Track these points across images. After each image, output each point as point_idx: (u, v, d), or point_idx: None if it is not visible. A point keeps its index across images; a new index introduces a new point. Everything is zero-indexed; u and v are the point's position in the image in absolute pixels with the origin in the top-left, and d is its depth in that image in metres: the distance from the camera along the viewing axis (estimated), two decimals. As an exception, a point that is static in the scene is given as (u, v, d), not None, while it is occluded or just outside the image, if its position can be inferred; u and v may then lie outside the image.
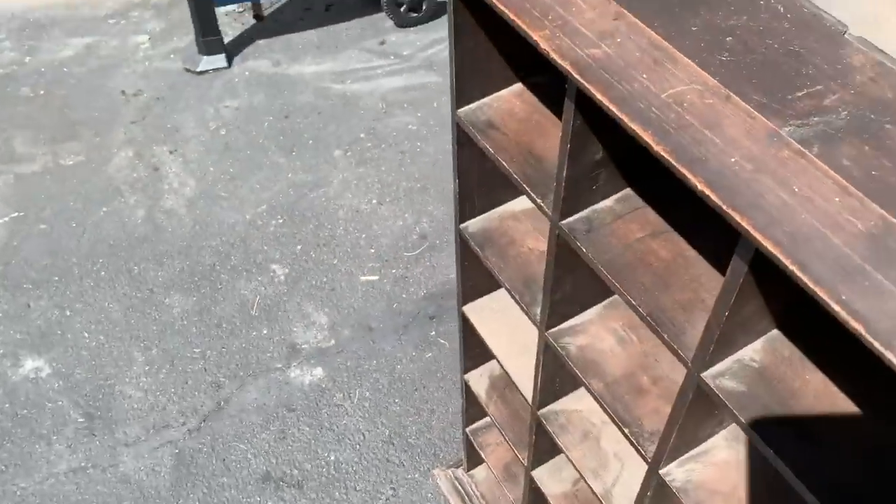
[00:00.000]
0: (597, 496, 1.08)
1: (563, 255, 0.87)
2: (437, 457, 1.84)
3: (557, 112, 0.93)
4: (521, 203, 1.12)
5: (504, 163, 0.88)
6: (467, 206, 1.09)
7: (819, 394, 0.68)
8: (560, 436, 1.12)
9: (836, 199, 0.49)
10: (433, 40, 2.88)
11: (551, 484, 1.30)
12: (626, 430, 0.90)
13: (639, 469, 1.06)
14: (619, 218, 0.82)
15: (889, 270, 0.46)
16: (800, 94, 0.58)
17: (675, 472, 0.86)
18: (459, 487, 1.75)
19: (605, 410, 0.93)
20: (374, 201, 2.36)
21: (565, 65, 0.59)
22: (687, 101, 0.55)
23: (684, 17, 0.62)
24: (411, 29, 2.92)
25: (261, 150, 2.51)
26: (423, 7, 2.88)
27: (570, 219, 0.82)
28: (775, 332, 0.72)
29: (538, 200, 0.84)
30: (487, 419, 1.61)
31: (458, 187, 1.05)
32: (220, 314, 2.09)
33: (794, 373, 0.70)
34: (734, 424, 0.89)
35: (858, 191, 0.50)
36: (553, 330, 0.98)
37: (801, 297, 0.70)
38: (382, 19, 2.96)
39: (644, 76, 0.57)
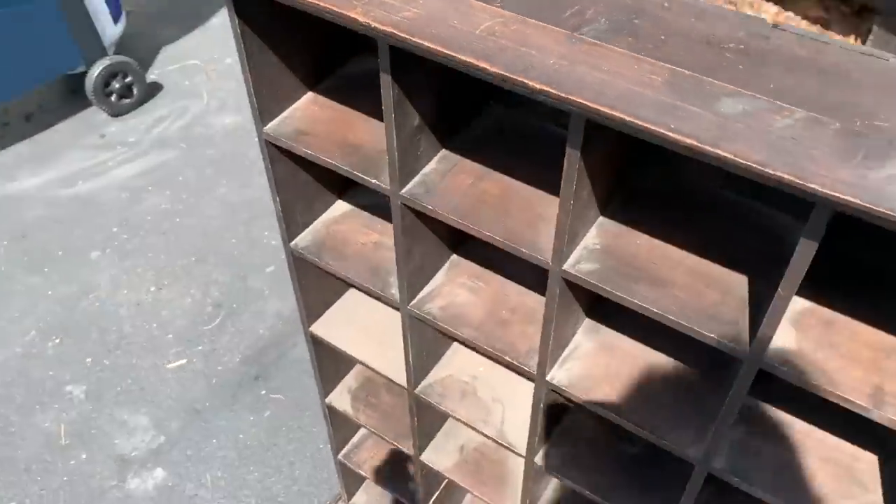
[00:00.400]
0: (492, 439, 1.17)
1: (409, 225, 0.95)
2: (314, 503, 1.82)
3: (355, 107, 1.01)
4: (340, 207, 1.19)
5: (329, 160, 0.94)
6: (292, 223, 1.13)
7: (654, 248, 0.83)
8: (442, 403, 1.20)
9: (635, 67, 0.63)
10: (156, 119, 2.82)
11: (442, 461, 1.37)
12: (507, 357, 1.00)
13: (521, 397, 1.18)
14: (447, 174, 0.92)
15: (691, 101, 0.60)
16: (570, 12, 0.72)
17: (559, 375, 0.98)
18: (346, 520, 1.76)
19: (480, 352, 1.03)
20: (153, 289, 2.26)
21: (388, 29, 0.67)
22: (497, 31, 0.67)
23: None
24: (128, 115, 2.84)
25: (6, 278, 2.29)
26: (134, 91, 2.81)
27: (408, 186, 0.91)
28: (601, 218, 0.87)
29: (374, 181, 0.92)
30: (356, 438, 1.64)
31: (280, 207, 1.09)
32: (25, 458, 1.88)
33: (627, 242, 0.84)
34: (587, 322, 1.03)
35: (647, 58, 0.64)
36: (413, 302, 1.06)
37: (622, 177, 0.86)
38: (95, 113, 2.84)
39: (455, 22, 0.68)
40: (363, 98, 1.02)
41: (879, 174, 0.54)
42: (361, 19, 0.68)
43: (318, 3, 0.70)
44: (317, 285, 1.26)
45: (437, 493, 1.56)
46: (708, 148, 0.57)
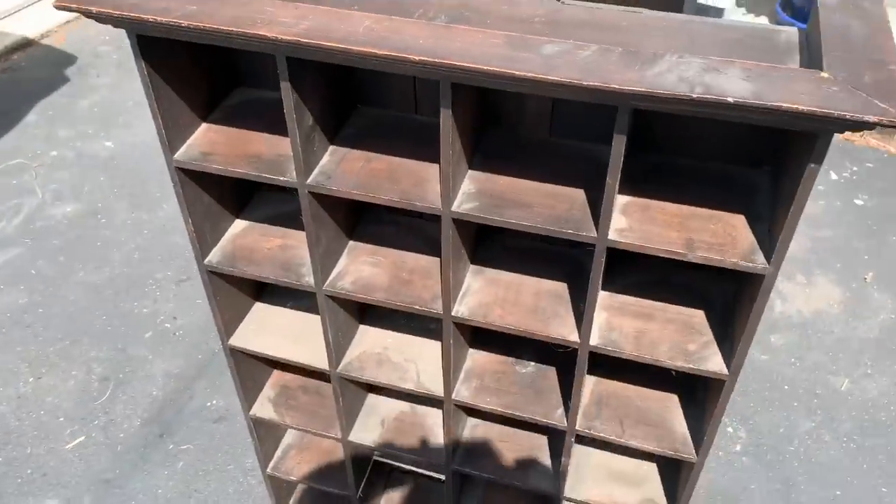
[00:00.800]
0: (412, 392, 1.37)
1: (316, 212, 1.15)
2: (247, 531, 1.91)
3: (244, 128, 1.20)
4: (240, 224, 1.35)
5: (238, 170, 1.12)
6: (203, 243, 1.28)
7: (513, 185, 1.09)
8: (363, 374, 1.39)
9: (479, 38, 0.89)
10: (-10, 222, 2.78)
11: (368, 436, 1.54)
12: (417, 307, 1.21)
13: (428, 353, 1.39)
14: (340, 163, 1.13)
15: (523, 51, 0.86)
16: (419, 13, 0.97)
17: (460, 309, 1.21)
18: (283, 536, 1.86)
19: (393, 307, 1.23)
20: (31, 379, 2.24)
21: (292, 38, 0.88)
22: (375, 28, 0.90)
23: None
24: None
25: None
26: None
27: (312, 176, 1.11)
28: (470, 171, 1.12)
29: (282, 178, 1.11)
30: (279, 451, 1.76)
31: (192, 228, 1.24)
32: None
33: (493, 184, 1.09)
34: (472, 267, 1.27)
35: (484, 30, 0.90)
36: (327, 283, 1.25)
37: (479, 137, 1.10)
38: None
39: (342, 27, 0.90)
40: (250, 120, 1.21)
41: (652, 71, 0.82)
42: (269, 34, 0.89)
43: (229, 28, 0.90)
44: (229, 301, 1.40)
45: (366, 475, 1.72)
46: (542, 76, 0.83)
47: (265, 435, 1.68)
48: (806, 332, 2.35)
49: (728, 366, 1.11)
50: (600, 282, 1.08)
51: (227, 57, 1.21)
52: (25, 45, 3.69)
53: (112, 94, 3.40)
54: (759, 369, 2.25)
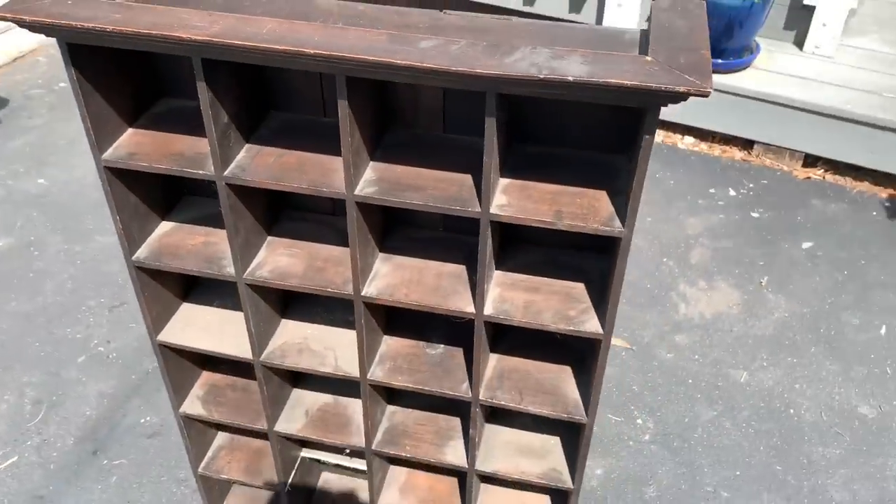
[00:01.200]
0: (331, 376, 1.48)
1: (233, 203, 1.27)
2: (181, 537, 1.96)
3: (167, 132, 1.32)
4: (165, 226, 1.46)
5: (161, 167, 1.24)
6: (131, 241, 1.39)
7: (409, 172, 1.23)
8: (284, 362, 1.49)
9: (368, 36, 1.04)
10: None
11: (292, 426, 1.64)
12: (330, 290, 1.34)
13: (345, 342, 1.51)
14: (254, 158, 1.26)
15: (404, 45, 1.01)
16: (320, 20, 1.12)
17: (369, 290, 1.34)
18: (216, 539, 1.92)
19: (308, 291, 1.36)
20: (-37, 405, 2.27)
21: (205, 38, 1.02)
22: (277, 30, 1.04)
23: (244, 6, 1.10)
24: None
25: None
26: None
27: (228, 169, 1.23)
28: (371, 162, 1.26)
29: (202, 172, 1.23)
30: (211, 452, 1.83)
31: (120, 227, 1.35)
32: None
33: (391, 172, 1.24)
34: (381, 255, 1.40)
35: (373, 30, 1.05)
36: (247, 272, 1.37)
37: (379, 135, 1.24)
38: None
39: (248, 29, 1.04)
40: (173, 125, 1.33)
41: (509, 59, 0.98)
42: (184, 36, 1.02)
43: (149, 31, 1.03)
44: (157, 298, 1.50)
45: (295, 468, 1.80)
46: (418, 64, 0.98)
47: (196, 436, 1.76)
48: (707, 331, 2.55)
49: (602, 326, 1.27)
50: (489, 253, 1.23)
51: (152, 68, 1.34)
52: (-44, 89, 3.73)
53: (44, 135, 3.47)
54: (666, 366, 2.42)
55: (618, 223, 1.14)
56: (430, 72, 0.99)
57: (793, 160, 3.29)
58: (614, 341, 2.48)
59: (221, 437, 1.87)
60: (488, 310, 1.30)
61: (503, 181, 1.23)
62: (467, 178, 1.23)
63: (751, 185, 3.19)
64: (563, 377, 1.47)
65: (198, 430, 1.76)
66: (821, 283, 2.74)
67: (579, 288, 1.35)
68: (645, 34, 1.14)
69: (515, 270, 1.38)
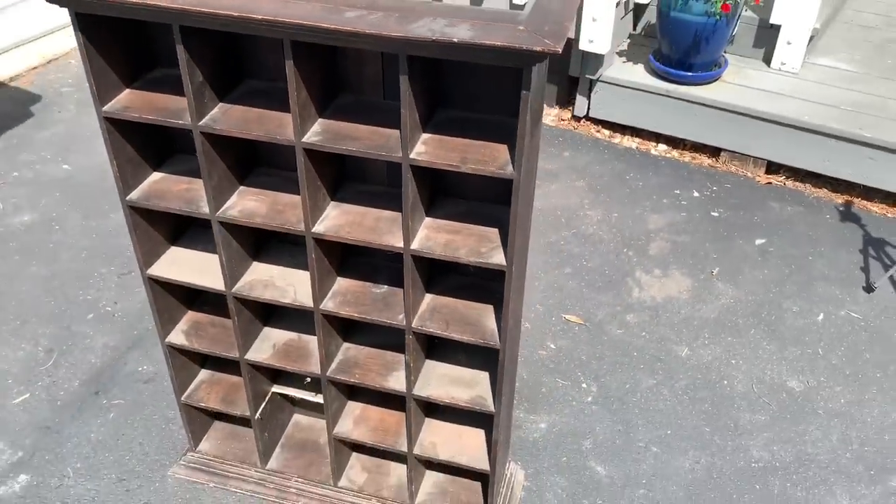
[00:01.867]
0: (289, 306, 1.75)
1: (206, 150, 1.56)
2: (167, 465, 2.22)
3: (158, 92, 1.61)
4: (156, 176, 1.75)
5: (148, 117, 1.53)
6: (126, 185, 1.68)
7: (352, 127, 1.51)
8: (251, 294, 1.77)
9: (309, 7, 1.32)
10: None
11: (261, 356, 1.90)
12: (286, 227, 1.61)
13: (302, 282, 1.78)
14: (225, 113, 1.55)
15: (333, 14, 1.29)
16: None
17: (318, 228, 1.61)
18: (197, 466, 2.18)
19: (268, 228, 1.63)
20: (-16, 351, 2.57)
21: (186, 7, 1.31)
22: (236, 2, 1.33)
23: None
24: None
25: None
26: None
27: (205, 120, 1.52)
28: (319, 119, 1.54)
29: (180, 122, 1.52)
30: (193, 385, 2.10)
31: (116, 170, 1.64)
32: None
33: (336, 126, 1.51)
34: (332, 203, 1.67)
35: (319, 5, 1.34)
36: (219, 212, 1.65)
37: (328, 98, 1.52)
38: None
39: (215, 1, 1.33)
40: (162, 88, 1.62)
41: (413, 26, 1.25)
42: (164, 4, 1.31)
43: (137, 1, 1.32)
44: (147, 238, 1.79)
45: (264, 405, 2.07)
46: (341, 27, 1.26)
47: (180, 367, 2.03)
48: (657, 312, 2.78)
49: (507, 259, 1.52)
50: (411, 193, 1.50)
51: (147, 41, 1.63)
52: (-6, 86, 4.10)
53: (71, 127, 3.81)
54: (614, 340, 2.66)
55: (510, 168, 1.41)
56: (350, 34, 1.27)
57: (756, 167, 3.53)
58: (569, 317, 2.73)
59: (203, 374, 2.14)
60: (415, 245, 1.57)
61: (425, 135, 1.50)
62: (395, 133, 1.50)
63: (714, 188, 3.43)
64: (484, 313, 1.73)
65: (182, 363, 2.04)
66: (768, 275, 2.96)
67: (493, 232, 1.61)
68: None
69: (442, 218, 1.64)
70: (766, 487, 2.20)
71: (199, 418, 2.18)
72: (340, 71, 1.58)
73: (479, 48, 1.22)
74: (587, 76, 3.69)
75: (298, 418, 2.29)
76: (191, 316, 2.01)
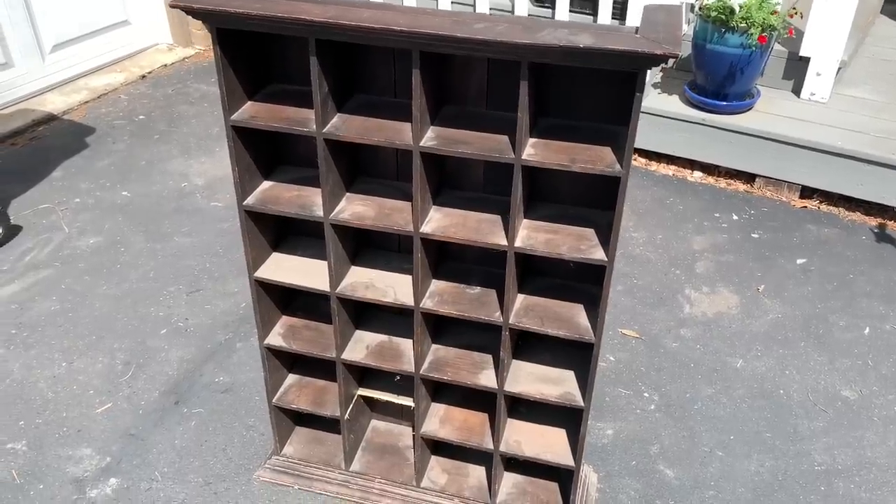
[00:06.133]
0: (391, 305, 1.85)
1: (327, 156, 1.68)
2: (251, 469, 2.30)
3: (278, 104, 1.74)
4: (267, 184, 1.87)
5: (274, 125, 1.66)
6: (243, 189, 1.80)
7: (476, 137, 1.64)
8: (354, 295, 1.87)
9: (437, 20, 1.46)
10: (23, 250, 3.24)
11: (355, 356, 2.00)
12: (395, 228, 1.72)
13: (403, 280, 1.88)
14: (345, 122, 1.68)
15: (462, 27, 1.43)
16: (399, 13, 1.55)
17: (425, 229, 1.72)
18: (282, 469, 2.26)
19: (379, 229, 1.74)
20: (65, 364, 2.66)
21: (328, 20, 1.44)
22: (366, 16, 1.46)
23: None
24: (-7, 253, 3.22)
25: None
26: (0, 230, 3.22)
27: (326, 128, 1.65)
28: (431, 126, 1.66)
29: (306, 129, 1.64)
30: (283, 387, 2.19)
31: (237, 176, 1.76)
32: (-13, 498, 2.18)
33: (451, 134, 1.64)
34: (434, 207, 1.79)
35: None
36: (332, 215, 1.77)
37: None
38: (-38, 254, 3.19)
39: (350, 14, 1.46)
40: (281, 100, 1.75)
41: (539, 35, 1.39)
42: (307, 18, 1.45)
43: (282, 14, 1.46)
44: (256, 243, 1.90)
45: (351, 405, 2.15)
46: (472, 37, 1.39)
47: (273, 370, 2.13)
48: (709, 327, 2.88)
49: (606, 255, 1.64)
50: (519, 195, 1.62)
51: (266, 57, 1.77)
52: (50, 119, 4.26)
53: (126, 157, 3.96)
54: (670, 354, 2.75)
55: (618, 166, 1.53)
56: (481, 43, 1.40)
57: (791, 192, 3.66)
58: (626, 331, 2.83)
59: (291, 378, 2.23)
60: (518, 243, 1.68)
61: (531, 140, 1.62)
62: (504, 138, 1.63)
63: (752, 212, 3.56)
64: (576, 311, 1.83)
65: (275, 366, 2.13)
66: (812, 292, 3.07)
67: (589, 232, 1.72)
68: (637, 26, 1.55)
69: (539, 220, 1.76)
70: (830, 489, 2.28)
71: (285, 422, 2.27)
72: (447, 82, 1.72)
73: (603, 53, 1.35)
74: (625, 106, 3.84)
75: (376, 423, 2.37)
76: (285, 320, 2.11)
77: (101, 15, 4.79)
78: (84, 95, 4.53)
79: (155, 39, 5.21)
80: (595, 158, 1.56)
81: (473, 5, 4.08)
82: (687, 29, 3.98)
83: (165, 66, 5.00)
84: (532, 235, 1.71)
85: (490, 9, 3.97)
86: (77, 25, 4.64)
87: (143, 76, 4.85)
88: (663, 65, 4.07)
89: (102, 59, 4.84)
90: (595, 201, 1.78)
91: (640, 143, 3.91)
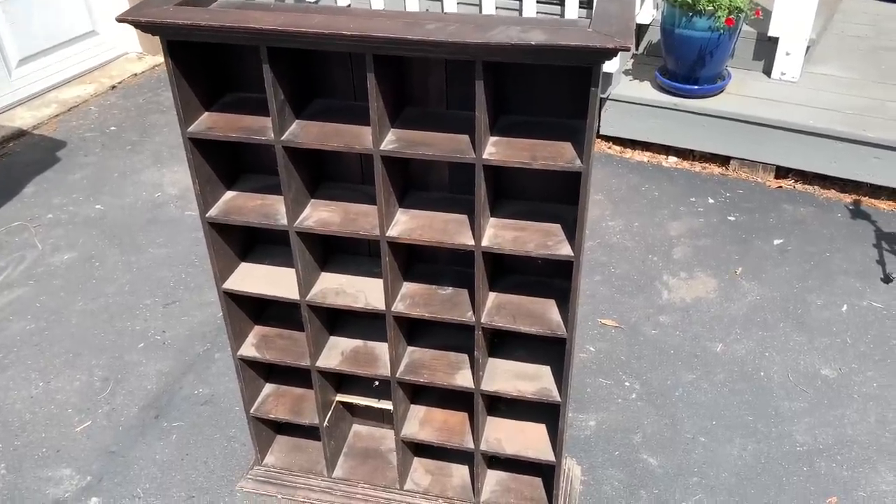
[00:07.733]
0: (363, 310, 1.84)
1: (287, 163, 1.66)
2: (233, 480, 2.29)
3: (235, 113, 1.72)
4: (230, 194, 1.85)
5: (232, 135, 1.64)
6: (205, 200, 1.78)
7: (425, 137, 1.62)
8: (325, 302, 1.86)
9: (389, 22, 1.44)
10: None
11: (330, 363, 1.99)
12: (361, 233, 1.71)
13: (373, 285, 1.87)
14: (303, 128, 1.66)
15: (415, 27, 1.41)
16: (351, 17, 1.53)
17: (391, 232, 1.71)
18: (265, 479, 2.25)
19: (344, 235, 1.73)
20: (41, 384, 2.63)
21: (277, 27, 1.42)
22: (318, 20, 1.45)
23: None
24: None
25: None
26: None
27: (284, 136, 1.63)
28: (391, 129, 1.65)
29: (264, 138, 1.62)
30: (260, 398, 2.18)
31: (198, 188, 1.74)
32: (-33, 524, 2.16)
33: (410, 136, 1.62)
34: (401, 209, 1.78)
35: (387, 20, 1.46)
36: (296, 223, 1.75)
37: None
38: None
39: (302, 21, 1.44)
40: (238, 110, 1.73)
41: (491, 33, 1.37)
42: (256, 26, 1.43)
43: (232, 24, 1.44)
44: (222, 254, 1.88)
45: (329, 413, 2.14)
46: (425, 38, 1.38)
47: (249, 380, 2.11)
48: (688, 312, 2.89)
49: (573, 250, 1.63)
50: (483, 194, 1.61)
51: (222, 68, 1.75)
52: (20, 135, 4.21)
53: (98, 170, 3.92)
54: (650, 341, 2.75)
55: (579, 162, 1.52)
56: (433, 44, 1.39)
57: (766, 173, 3.67)
58: (605, 321, 2.83)
59: (268, 388, 2.21)
60: (485, 242, 1.67)
61: (492, 138, 1.61)
62: (465, 138, 1.62)
63: (727, 195, 3.57)
64: (548, 307, 1.83)
65: (251, 376, 2.12)
66: (790, 272, 3.08)
67: (556, 227, 1.71)
68: (590, 19, 1.54)
69: (507, 217, 1.75)
70: (812, 469, 2.29)
71: (265, 432, 2.25)
72: (406, 85, 1.70)
73: (555, 49, 1.34)
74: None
75: (358, 428, 2.36)
76: (258, 330, 2.09)
77: (67, 26, 4.73)
78: (54, 109, 4.48)
79: (124, 49, 5.15)
80: (556, 154, 1.55)
81: (479, 5, 4.05)
82: (655, 14, 3.97)
83: (135, 75, 4.95)
84: (499, 234, 1.70)
85: (496, 7, 3.93)
86: (43, 38, 4.58)
87: (114, 86, 4.80)
88: (634, 52, 4.07)
89: (71, 71, 4.79)
90: (562, 196, 1.77)
91: (613, 130, 3.91)
